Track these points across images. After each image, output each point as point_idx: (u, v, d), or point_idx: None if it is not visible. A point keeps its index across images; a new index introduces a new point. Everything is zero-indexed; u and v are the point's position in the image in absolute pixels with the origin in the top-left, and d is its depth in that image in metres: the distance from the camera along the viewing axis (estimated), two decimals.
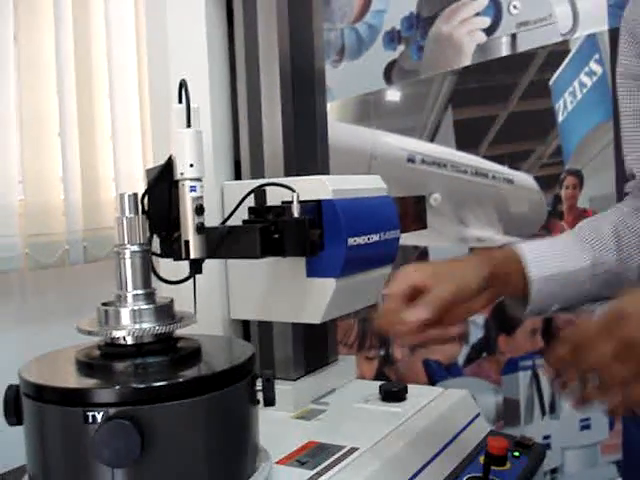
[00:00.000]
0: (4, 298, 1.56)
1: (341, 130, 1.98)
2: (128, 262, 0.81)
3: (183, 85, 0.91)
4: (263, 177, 1.17)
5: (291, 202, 0.97)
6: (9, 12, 1.48)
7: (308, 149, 1.23)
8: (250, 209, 1.01)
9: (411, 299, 0.87)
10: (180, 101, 0.92)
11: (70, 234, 1.62)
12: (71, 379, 0.77)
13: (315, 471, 0.90)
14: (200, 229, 0.90)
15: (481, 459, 1.06)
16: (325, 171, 1.26)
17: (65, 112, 1.62)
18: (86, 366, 0.78)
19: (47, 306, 1.63)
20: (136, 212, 0.83)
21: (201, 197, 0.90)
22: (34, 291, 1.63)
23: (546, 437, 2.03)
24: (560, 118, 1.91)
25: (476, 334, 1.99)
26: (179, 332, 0.85)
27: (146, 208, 0.92)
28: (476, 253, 0.94)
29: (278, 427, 1.05)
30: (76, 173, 1.65)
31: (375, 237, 1.08)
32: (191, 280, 0.96)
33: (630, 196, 1.11)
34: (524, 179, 1.92)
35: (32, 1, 1.54)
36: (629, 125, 1.06)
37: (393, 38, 2.01)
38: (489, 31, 1.93)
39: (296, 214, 0.96)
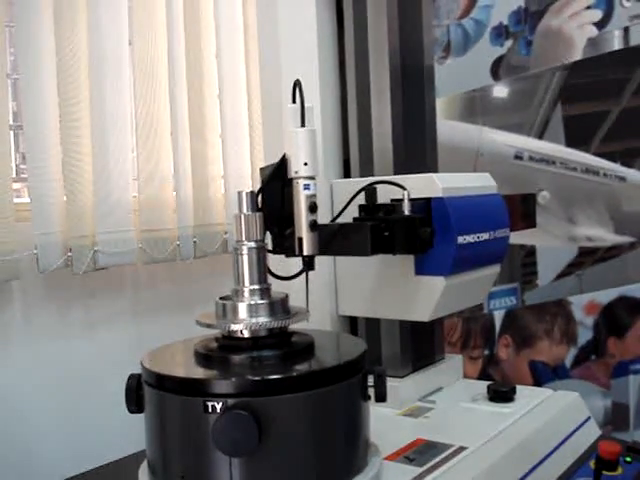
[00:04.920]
0: (120, 291, 1.62)
1: (447, 127, 1.96)
2: (245, 258, 0.83)
3: (297, 85, 0.92)
4: (372, 175, 1.18)
5: (401, 200, 0.97)
6: (124, 15, 1.55)
7: (417, 147, 1.23)
8: (361, 207, 1.02)
9: None
10: (294, 101, 0.93)
11: (181, 230, 1.67)
12: (191, 369, 0.80)
13: (424, 468, 0.90)
14: (313, 226, 0.92)
15: (592, 463, 1.04)
16: (434, 169, 1.26)
17: (176, 113, 1.68)
18: (204, 358, 0.81)
19: (159, 299, 1.69)
20: (254, 209, 0.85)
21: (314, 195, 0.92)
22: (147, 285, 1.69)
23: None
24: None
25: (585, 336, 1.94)
26: (292, 327, 0.87)
27: (260, 205, 0.94)
28: None
29: (385, 424, 1.06)
30: (187, 171, 1.70)
31: (485, 236, 1.07)
32: (301, 276, 0.97)
33: None
34: (637, 176, 1.86)
35: (146, 3, 1.59)
36: None
37: (500, 33, 1.98)
38: (600, 25, 1.87)
39: (407, 212, 0.97)
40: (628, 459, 1.10)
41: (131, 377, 0.82)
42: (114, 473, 1.07)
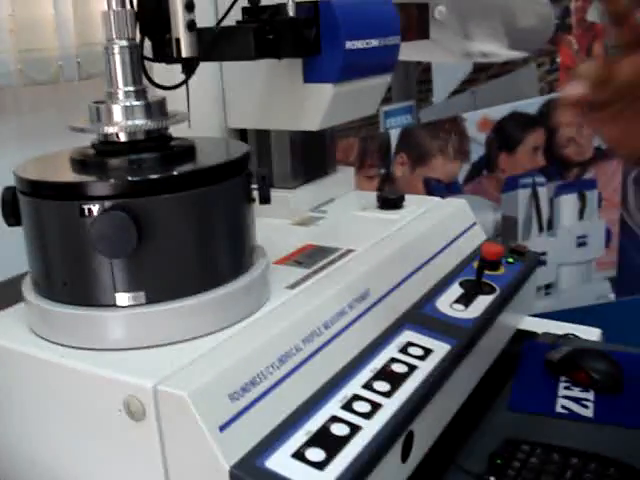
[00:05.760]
0: (1, 115, 1.54)
1: None
2: (117, 57, 0.78)
3: None
4: None
5: (286, 2, 0.93)
6: None
7: None
8: (244, 9, 0.97)
9: None
10: None
11: (63, 50, 1.58)
12: (66, 175, 0.77)
13: (312, 269, 0.92)
14: (191, 26, 0.87)
15: (475, 264, 1.08)
16: None
17: None
18: (80, 163, 0.78)
19: (44, 124, 1.62)
20: (123, 5, 0.79)
21: None
22: (31, 109, 1.61)
23: (542, 254, 2.08)
24: None
25: (477, 152, 1.98)
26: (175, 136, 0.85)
27: (135, 7, 0.88)
28: None
29: (277, 232, 1.07)
30: None
31: (374, 42, 1.05)
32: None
33: None
34: None
35: None
36: None
37: None
38: None
39: (291, 13, 0.93)
40: (510, 260, 1.16)
41: (6, 189, 0.79)
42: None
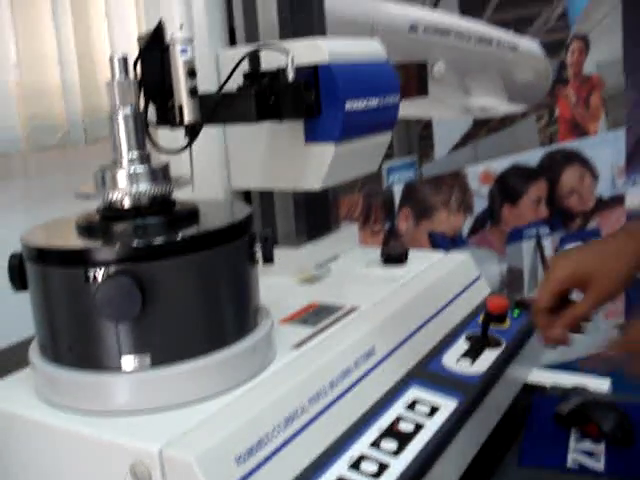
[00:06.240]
0: (8, 180, 1.56)
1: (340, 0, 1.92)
2: (122, 125, 0.80)
3: None
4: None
5: (286, 66, 0.95)
6: None
7: (304, 15, 1.20)
8: (245, 75, 0.99)
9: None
10: None
11: (69, 115, 1.61)
12: (72, 241, 0.78)
13: (317, 328, 0.93)
14: (193, 93, 0.89)
15: (481, 318, 1.08)
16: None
17: None
18: (86, 229, 0.79)
19: (51, 188, 1.64)
20: (127, 75, 0.81)
21: (193, 60, 0.89)
22: (38, 173, 1.64)
23: None
24: None
25: (480, 205, 2.00)
26: (179, 199, 0.86)
27: (139, 76, 0.91)
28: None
29: (281, 291, 1.08)
30: (71, 52, 1.62)
31: (374, 101, 1.07)
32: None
33: None
34: (529, 45, 1.88)
35: None
36: None
37: None
38: None
39: (291, 77, 0.95)
40: (516, 313, 1.16)
41: (13, 255, 0.80)
42: (6, 358, 1.06)
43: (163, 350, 0.74)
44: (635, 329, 0.86)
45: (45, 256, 0.75)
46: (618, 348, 0.86)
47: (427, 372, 0.95)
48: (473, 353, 1.02)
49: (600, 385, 1.20)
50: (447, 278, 1.15)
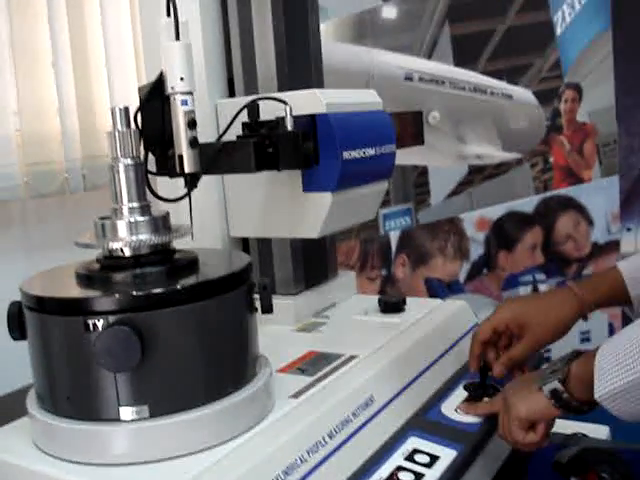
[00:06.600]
0: (7, 227, 1.57)
1: (337, 50, 1.95)
2: (122, 175, 0.81)
3: None
4: (257, 94, 1.16)
5: (284, 116, 0.96)
6: None
7: (301, 67, 1.22)
8: (244, 124, 1.00)
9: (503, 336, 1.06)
10: (168, 15, 0.91)
11: (68, 162, 1.63)
12: (71, 290, 0.79)
13: (315, 377, 0.92)
14: (193, 143, 0.90)
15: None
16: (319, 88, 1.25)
17: (57, 41, 1.61)
18: (86, 278, 0.80)
19: (50, 234, 1.65)
20: (128, 125, 0.83)
21: (193, 111, 0.90)
22: (36, 220, 1.65)
23: (546, 350, 2.07)
24: (558, 30, 1.89)
25: (477, 251, 2.01)
26: (178, 248, 0.86)
27: (140, 126, 0.92)
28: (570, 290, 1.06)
29: (279, 339, 1.08)
30: (71, 102, 1.65)
31: (371, 151, 1.08)
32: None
33: None
34: (523, 94, 1.91)
35: None
36: None
37: None
38: None
39: (289, 127, 0.96)
40: None
41: (12, 304, 0.80)
42: (4, 406, 1.05)
43: (162, 400, 0.73)
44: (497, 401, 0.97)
45: (45, 305, 0.75)
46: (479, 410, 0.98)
47: (426, 421, 0.94)
48: (472, 401, 1.01)
49: (599, 432, 1.19)
50: (444, 326, 1.15)
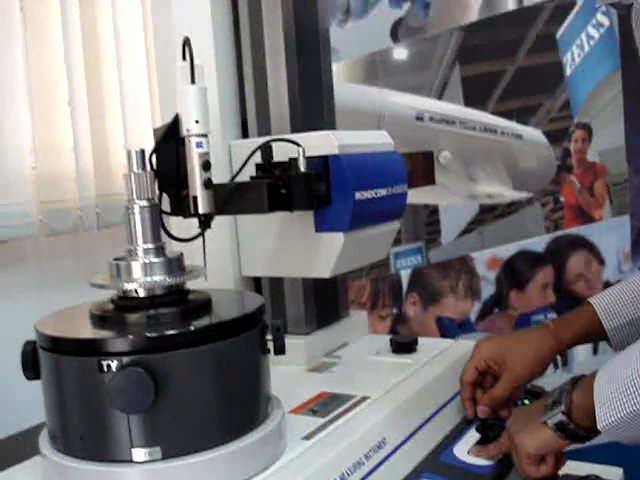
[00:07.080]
0: (20, 264, 1.58)
1: (349, 91, 1.97)
2: (137, 217, 0.82)
3: (186, 42, 0.91)
4: (270, 136, 1.18)
5: (297, 158, 0.97)
6: None
7: (314, 108, 1.24)
8: (257, 165, 1.02)
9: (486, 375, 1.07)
10: (184, 58, 0.92)
11: (82, 200, 1.64)
12: (86, 331, 0.79)
13: (327, 419, 0.92)
14: (207, 184, 0.91)
15: None
16: (332, 129, 1.27)
17: (73, 80, 1.63)
18: (100, 318, 0.80)
19: (63, 272, 1.65)
20: (144, 167, 0.84)
21: (208, 153, 0.91)
22: (49, 258, 1.65)
23: None
24: (568, 71, 1.91)
25: (488, 290, 2.00)
26: (191, 288, 0.87)
27: (154, 167, 0.93)
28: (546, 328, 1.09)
29: (291, 379, 1.08)
30: (86, 140, 1.67)
31: (382, 191, 1.09)
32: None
33: None
34: (533, 134, 1.92)
35: None
36: None
37: None
38: None
39: (302, 169, 0.97)
40: (526, 402, 1.15)
41: (27, 343, 0.80)
42: (15, 445, 1.05)
43: (174, 442, 0.73)
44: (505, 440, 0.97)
45: (59, 345, 0.76)
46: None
47: (439, 463, 0.94)
48: (484, 443, 1.01)
49: (612, 473, 1.18)
50: (457, 366, 1.14)
